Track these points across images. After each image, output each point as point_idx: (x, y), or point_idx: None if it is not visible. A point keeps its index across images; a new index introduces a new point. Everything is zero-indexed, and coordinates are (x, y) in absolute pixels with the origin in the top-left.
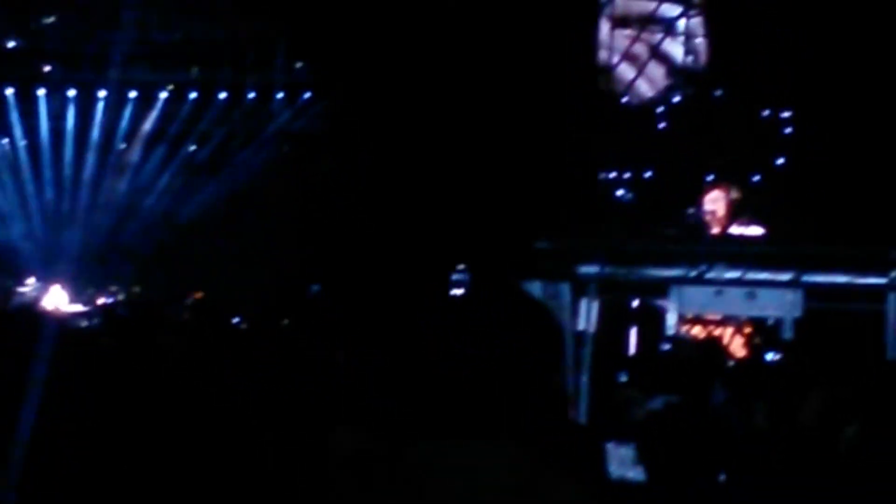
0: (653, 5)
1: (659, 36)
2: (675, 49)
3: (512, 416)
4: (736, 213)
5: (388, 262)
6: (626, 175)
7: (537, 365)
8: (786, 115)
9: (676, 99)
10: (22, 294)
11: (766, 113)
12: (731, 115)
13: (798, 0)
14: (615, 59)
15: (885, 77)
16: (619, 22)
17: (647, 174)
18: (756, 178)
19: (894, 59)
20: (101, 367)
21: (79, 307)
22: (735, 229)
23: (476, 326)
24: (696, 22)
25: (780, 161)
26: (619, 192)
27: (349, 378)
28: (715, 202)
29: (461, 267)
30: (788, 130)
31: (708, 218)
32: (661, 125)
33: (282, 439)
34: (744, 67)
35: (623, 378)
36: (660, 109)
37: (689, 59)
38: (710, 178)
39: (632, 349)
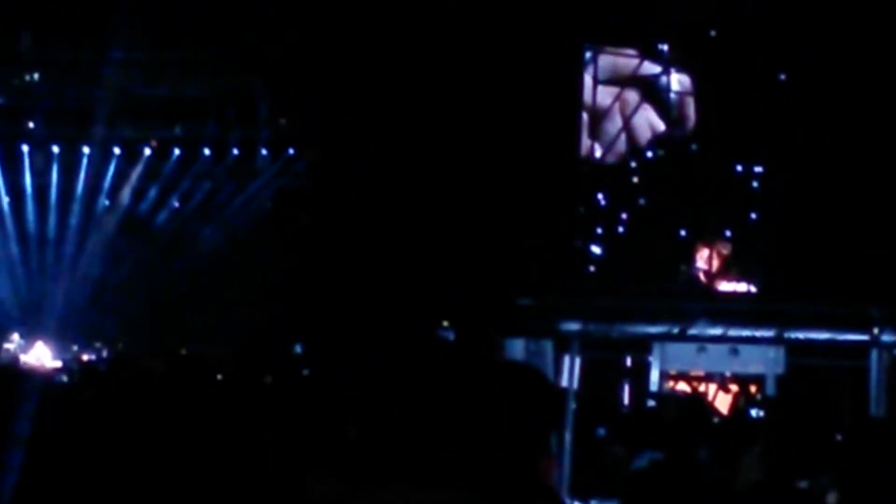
0: (635, 63)
1: (640, 95)
2: (654, 110)
3: (484, 470)
4: (726, 270)
5: (371, 319)
6: (608, 232)
7: (523, 425)
8: (761, 170)
9: (655, 154)
10: (5, 350)
11: (742, 169)
12: (713, 171)
13: (781, 52)
14: (598, 117)
15: (872, 131)
16: (603, 81)
17: (630, 231)
18: (739, 234)
19: (883, 113)
20: (80, 421)
21: (60, 363)
22: (724, 286)
23: (461, 385)
24: (678, 79)
25: (760, 218)
26: (601, 250)
27: (324, 427)
28: (706, 260)
29: (445, 324)
30: (769, 187)
31: (700, 275)
32: (643, 181)
33: (260, 488)
34: (725, 123)
35: (607, 435)
36: (641, 164)
37: (672, 115)
38: (685, 234)
39: (616, 406)
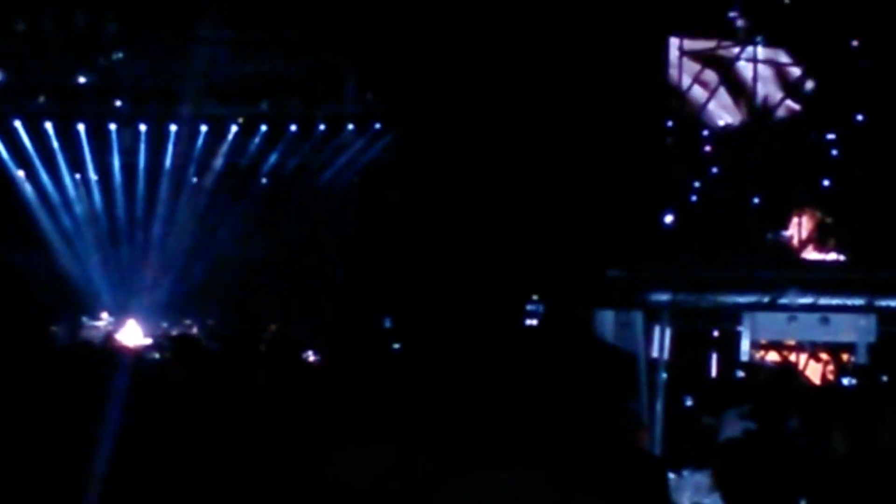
0: (713, 43)
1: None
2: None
3: (569, 447)
4: (816, 238)
5: (461, 294)
6: (696, 202)
7: (601, 402)
8: (847, 136)
9: (741, 125)
10: (96, 328)
11: (830, 136)
12: (799, 140)
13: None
14: (685, 85)
15: None
16: (687, 52)
17: (718, 200)
18: (828, 202)
19: None
20: (176, 398)
21: (151, 340)
22: (814, 255)
23: (545, 364)
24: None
25: (849, 185)
26: (688, 221)
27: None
28: (795, 228)
29: (535, 298)
30: (856, 154)
31: (789, 242)
32: (730, 151)
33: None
34: (810, 91)
35: (697, 404)
36: (726, 135)
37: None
38: (773, 203)
39: (705, 376)
